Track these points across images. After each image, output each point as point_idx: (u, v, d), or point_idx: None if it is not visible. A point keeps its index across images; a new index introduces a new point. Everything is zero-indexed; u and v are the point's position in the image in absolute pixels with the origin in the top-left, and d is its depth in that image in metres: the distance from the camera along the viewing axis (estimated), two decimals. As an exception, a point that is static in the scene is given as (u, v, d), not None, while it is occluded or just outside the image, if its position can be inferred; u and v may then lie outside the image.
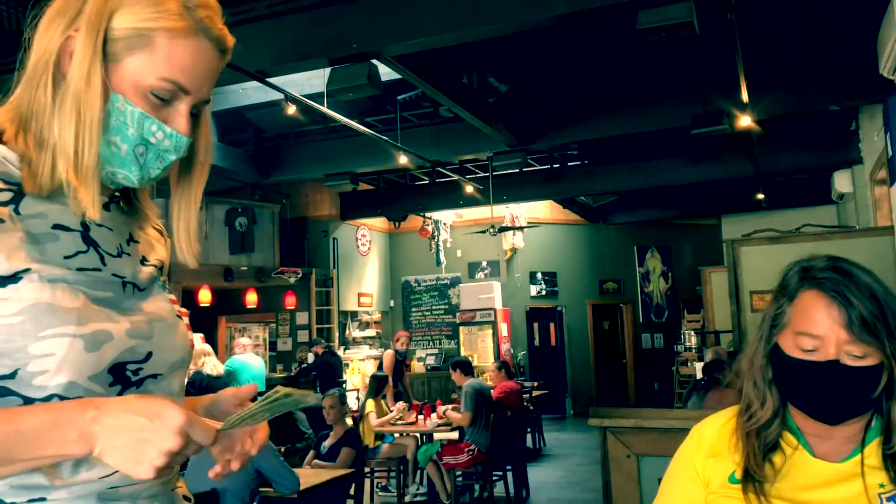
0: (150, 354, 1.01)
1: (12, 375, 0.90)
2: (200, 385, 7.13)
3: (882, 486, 1.14)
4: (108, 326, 0.95)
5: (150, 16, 0.95)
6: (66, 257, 0.95)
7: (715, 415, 1.35)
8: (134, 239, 1.08)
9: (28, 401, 0.90)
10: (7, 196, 0.92)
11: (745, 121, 6.96)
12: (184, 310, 1.13)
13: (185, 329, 1.10)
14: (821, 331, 1.15)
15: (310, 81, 7.00)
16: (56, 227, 0.96)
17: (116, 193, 1.07)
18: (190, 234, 1.10)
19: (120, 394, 0.97)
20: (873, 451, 1.17)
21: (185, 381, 1.12)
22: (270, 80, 5.89)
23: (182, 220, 1.10)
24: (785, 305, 1.21)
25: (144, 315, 1.02)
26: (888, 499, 1.13)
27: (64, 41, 0.95)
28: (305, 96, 6.59)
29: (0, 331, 0.89)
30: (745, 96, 6.36)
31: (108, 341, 0.94)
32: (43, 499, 0.92)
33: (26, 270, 0.90)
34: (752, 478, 1.20)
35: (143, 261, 1.08)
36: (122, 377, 0.97)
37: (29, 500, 0.91)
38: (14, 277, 0.90)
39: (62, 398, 0.91)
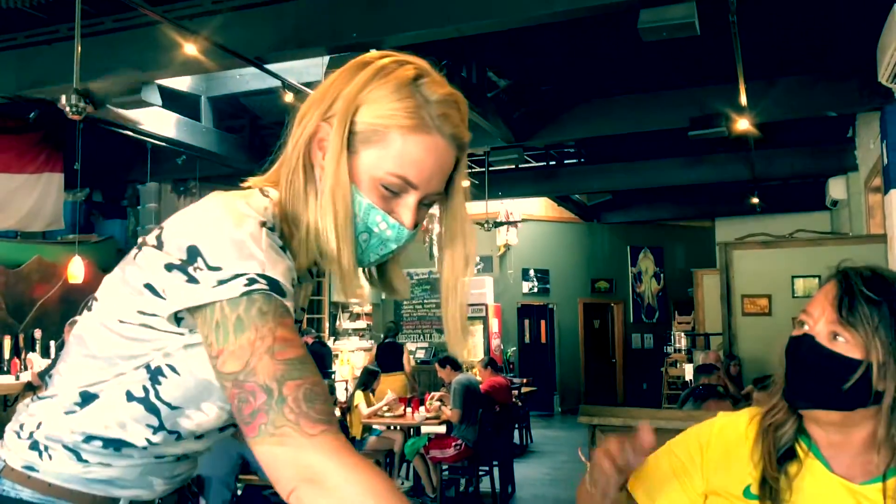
0: None
1: (176, 408, 1.02)
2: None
3: None
4: None
5: (387, 113, 0.99)
6: None
7: (742, 412, 1.28)
8: (299, 291, 1.13)
9: (160, 425, 1.03)
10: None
11: (742, 124, 6.95)
12: None
13: None
14: (814, 307, 1.13)
15: (308, 69, 6.95)
16: None
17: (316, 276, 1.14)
18: (458, 324, 1.11)
19: (205, 434, 1.09)
20: None
21: None
22: (268, 66, 5.85)
23: (450, 309, 1.11)
24: None
25: None
26: None
27: (315, 129, 1.01)
28: (303, 84, 6.55)
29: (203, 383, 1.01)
30: (743, 99, 6.36)
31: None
32: (106, 464, 1.04)
33: None
34: (769, 490, 1.14)
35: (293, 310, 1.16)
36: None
37: (95, 462, 1.03)
38: None
39: (178, 435, 1.05)
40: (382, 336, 10.62)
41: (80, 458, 1.03)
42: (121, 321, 1.00)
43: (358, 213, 1.01)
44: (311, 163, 1.02)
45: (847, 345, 1.08)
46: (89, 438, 1.02)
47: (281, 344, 0.90)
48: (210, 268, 0.91)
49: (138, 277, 0.98)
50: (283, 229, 1.02)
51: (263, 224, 0.95)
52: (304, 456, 0.86)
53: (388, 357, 9.73)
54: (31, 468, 1.02)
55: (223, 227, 0.93)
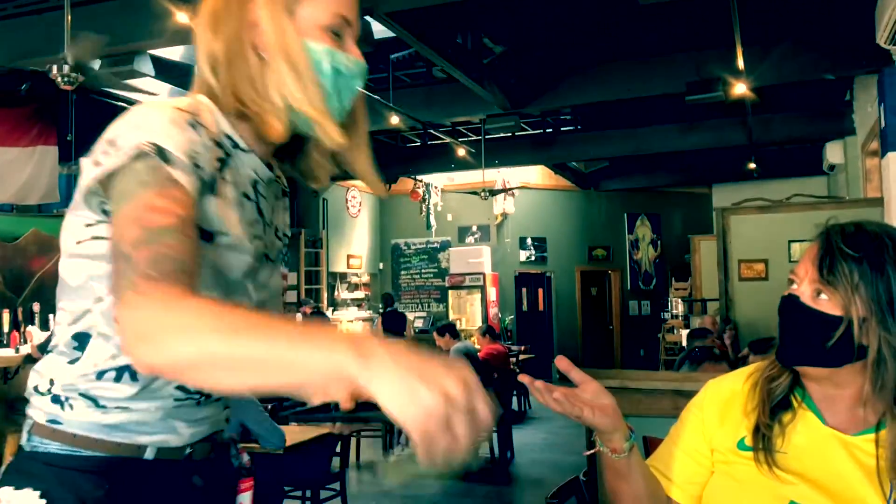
0: None
1: None
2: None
3: None
4: (241, 299, 1.08)
5: None
6: (248, 223, 1.08)
7: (733, 373, 1.32)
8: (275, 210, 1.20)
9: None
10: (219, 164, 1.05)
11: (739, 88, 6.91)
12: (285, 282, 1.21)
13: (281, 301, 1.23)
14: (800, 267, 1.15)
15: (301, 38, 6.89)
16: (243, 195, 1.10)
17: (273, 172, 1.18)
18: (372, 169, 1.19)
19: None
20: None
21: None
22: (261, 35, 5.79)
23: (360, 159, 1.18)
24: None
25: (266, 291, 1.15)
26: None
27: (244, 13, 1.08)
28: (297, 53, 6.49)
29: None
30: (740, 63, 6.31)
31: None
32: (125, 407, 1.05)
33: (223, 233, 1.04)
34: (762, 438, 1.18)
35: (276, 231, 1.20)
36: None
37: (113, 407, 1.04)
38: (213, 237, 1.04)
39: None
40: (383, 306, 10.90)
41: (97, 404, 1.05)
42: (77, 242, 1.05)
43: (323, 61, 1.07)
44: (253, 45, 1.08)
45: (829, 302, 1.10)
46: (101, 374, 1.04)
47: (151, 213, 0.93)
48: (112, 147, 0.97)
49: (78, 192, 1.03)
50: (251, 110, 1.08)
51: (180, 110, 1.02)
52: (135, 315, 0.87)
53: (392, 325, 10.01)
54: (54, 421, 1.05)
55: (135, 116, 1.00)
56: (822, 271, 1.10)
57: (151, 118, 0.99)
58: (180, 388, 1.08)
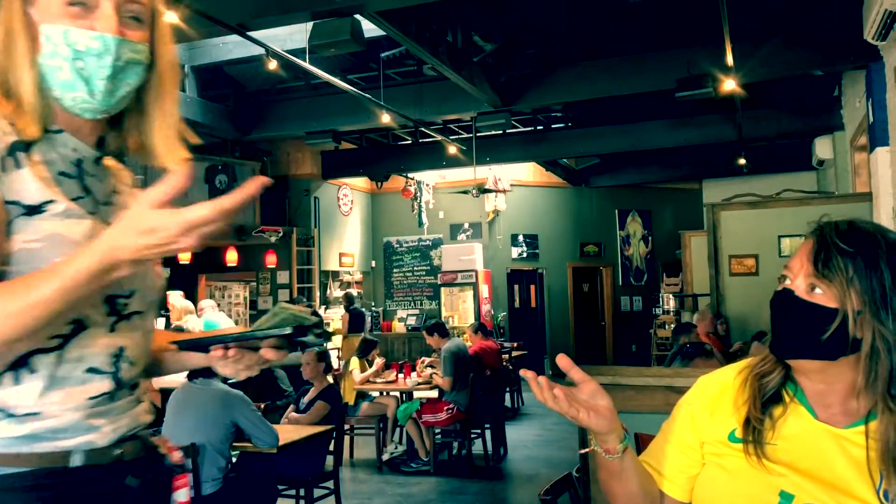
0: (133, 292, 1.16)
1: None
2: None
3: None
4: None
5: None
6: (72, 199, 1.08)
7: (725, 368, 1.34)
8: (116, 190, 1.21)
9: None
10: (23, 146, 1.06)
11: (729, 84, 6.94)
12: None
13: (157, 272, 1.24)
14: (794, 262, 1.17)
15: (292, 36, 6.89)
16: (61, 173, 1.09)
17: (101, 151, 1.18)
18: (168, 140, 1.17)
19: (114, 325, 1.11)
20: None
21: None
22: (251, 34, 5.78)
23: (158, 128, 1.17)
24: None
25: (138, 265, 1.12)
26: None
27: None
28: (287, 52, 6.48)
29: (23, 254, 1.03)
30: (729, 60, 6.34)
31: None
32: (37, 413, 1.04)
33: (51, 202, 1.04)
34: (752, 430, 1.19)
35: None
36: (115, 308, 1.12)
37: (25, 414, 1.03)
38: (40, 209, 1.04)
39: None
40: (348, 305, 11.42)
41: (9, 415, 1.03)
42: None
43: (60, 42, 1.04)
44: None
45: (824, 296, 1.12)
46: None
47: None
48: None
49: None
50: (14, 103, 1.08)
51: None
52: None
53: (357, 322, 10.97)
54: None
55: None
56: (818, 265, 1.12)
57: None
58: (91, 370, 1.07)
